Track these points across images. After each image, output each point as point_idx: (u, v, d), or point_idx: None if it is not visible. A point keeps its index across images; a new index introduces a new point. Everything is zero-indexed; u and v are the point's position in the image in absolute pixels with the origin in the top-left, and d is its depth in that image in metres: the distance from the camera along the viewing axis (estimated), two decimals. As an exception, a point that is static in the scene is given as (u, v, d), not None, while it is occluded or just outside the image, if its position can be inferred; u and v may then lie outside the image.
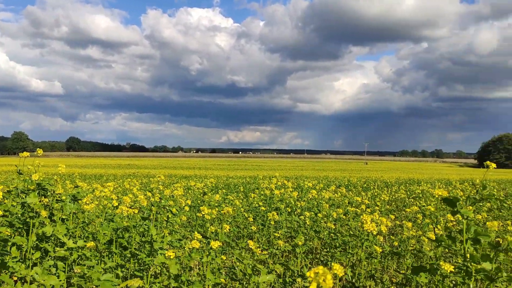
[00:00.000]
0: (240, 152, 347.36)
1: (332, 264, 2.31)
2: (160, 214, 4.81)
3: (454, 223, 3.76)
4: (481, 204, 12.37)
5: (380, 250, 4.28)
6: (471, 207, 3.20)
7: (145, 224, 4.33)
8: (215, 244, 3.81)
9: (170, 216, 4.52)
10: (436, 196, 3.30)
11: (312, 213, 8.23)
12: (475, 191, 3.18)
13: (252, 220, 7.19)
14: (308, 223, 6.50)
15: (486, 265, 2.97)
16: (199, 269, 5.14)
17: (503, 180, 36.61)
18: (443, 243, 3.14)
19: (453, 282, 3.48)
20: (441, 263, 2.98)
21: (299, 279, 4.64)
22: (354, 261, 4.57)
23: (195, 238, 3.75)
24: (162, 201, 4.97)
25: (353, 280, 4.24)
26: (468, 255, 3.05)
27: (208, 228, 5.82)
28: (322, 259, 5.59)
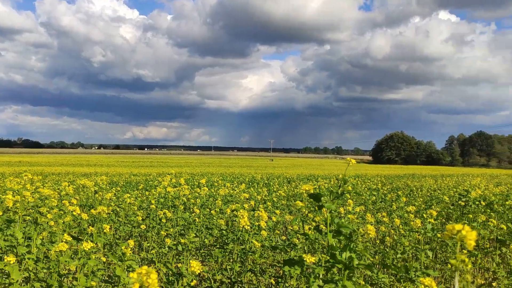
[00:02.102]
0: (146, 149, 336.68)
1: (190, 261, 2.32)
2: (37, 215, 4.47)
3: (322, 217, 4.00)
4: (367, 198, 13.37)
5: (259, 245, 4.42)
6: (335, 201, 3.42)
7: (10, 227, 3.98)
8: (87, 246, 3.64)
9: (39, 217, 4.21)
10: (304, 191, 3.49)
11: (207, 210, 8.25)
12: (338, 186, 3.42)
13: (141, 219, 7.00)
14: (198, 220, 6.50)
15: (344, 255, 3.21)
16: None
17: (392, 175, 39.99)
18: (308, 236, 3.33)
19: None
20: (303, 255, 3.15)
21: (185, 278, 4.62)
22: (236, 257, 4.66)
23: (64, 240, 3.55)
24: (38, 201, 4.62)
25: (232, 275, 4.33)
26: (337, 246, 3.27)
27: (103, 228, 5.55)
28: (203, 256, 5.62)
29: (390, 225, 7.11)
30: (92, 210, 4.81)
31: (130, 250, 4.00)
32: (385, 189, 17.30)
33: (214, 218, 7.15)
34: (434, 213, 5.32)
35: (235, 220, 7.10)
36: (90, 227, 4.78)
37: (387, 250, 5.69)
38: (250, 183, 21.74)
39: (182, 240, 4.62)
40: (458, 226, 1.32)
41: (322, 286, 2.96)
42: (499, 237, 5.65)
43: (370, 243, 6.75)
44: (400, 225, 7.54)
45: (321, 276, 3.39)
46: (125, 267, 3.93)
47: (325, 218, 3.39)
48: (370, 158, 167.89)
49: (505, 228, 5.68)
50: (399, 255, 5.22)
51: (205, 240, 6.88)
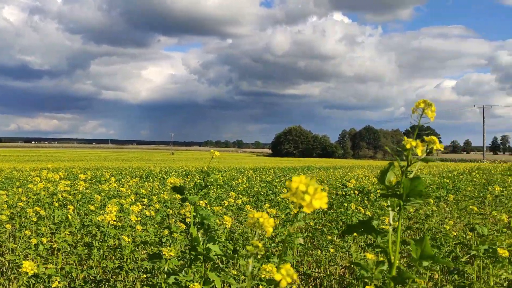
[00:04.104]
0: (33, 142, 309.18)
1: (23, 262, 2.12)
2: None
3: (186, 209, 3.98)
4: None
5: (130, 240, 4.26)
6: (198, 193, 3.41)
7: None
8: None
9: None
10: (169, 184, 3.42)
11: (86, 206, 7.79)
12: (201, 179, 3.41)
13: (5, 218, 6.38)
14: (70, 218, 6.10)
15: (202, 246, 3.23)
16: None
17: (289, 167, 41.67)
18: (170, 228, 3.29)
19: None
20: (162, 249, 3.09)
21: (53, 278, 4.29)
22: (103, 254, 4.46)
23: None
24: None
25: (97, 274, 4.12)
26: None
27: None
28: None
29: (272, 215, 7.34)
30: None
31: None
32: (277, 181, 17.90)
33: (93, 215, 6.77)
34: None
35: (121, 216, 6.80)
36: None
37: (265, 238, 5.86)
38: (145, 178, 21.11)
39: (54, 239, 4.28)
40: (257, 214, 1.34)
41: (178, 280, 2.92)
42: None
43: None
44: (283, 215, 7.87)
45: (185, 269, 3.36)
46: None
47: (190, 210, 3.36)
48: (269, 151, 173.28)
49: (369, 214, 6.20)
50: (273, 244, 5.41)
51: (86, 238, 6.49)
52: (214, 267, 3.76)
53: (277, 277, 0.97)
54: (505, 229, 4.81)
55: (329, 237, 5.81)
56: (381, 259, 1.98)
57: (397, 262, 1.53)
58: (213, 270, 3.47)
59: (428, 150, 1.66)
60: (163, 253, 2.94)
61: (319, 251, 5.84)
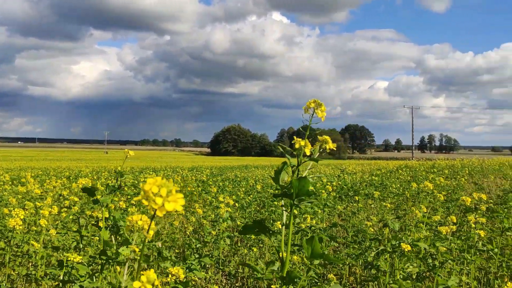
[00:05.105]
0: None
1: None
2: None
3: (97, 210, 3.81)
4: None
5: (39, 246, 4.00)
6: (111, 195, 3.27)
7: None
8: None
9: None
10: (79, 185, 3.25)
11: (1, 209, 7.27)
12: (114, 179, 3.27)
13: None
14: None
15: (123, 250, 3.10)
16: None
17: (226, 166, 41.67)
18: (80, 232, 3.13)
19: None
20: (68, 254, 2.92)
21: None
22: (7, 262, 4.16)
23: None
24: None
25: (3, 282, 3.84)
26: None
27: None
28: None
29: (201, 215, 7.26)
30: None
31: None
32: (211, 180, 17.82)
33: (7, 219, 6.32)
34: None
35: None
36: None
37: (191, 239, 5.77)
38: (74, 179, 20.14)
39: None
40: (136, 217, 1.27)
41: (83, 287, 2.77)
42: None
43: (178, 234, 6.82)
44: (213, 215, 7.82)
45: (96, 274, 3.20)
46: None
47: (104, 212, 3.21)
48: (208, 150, 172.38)
49: (295, 212, 6.32)
50: (199, 245, 5.34)
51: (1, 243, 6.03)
52: (131, 272, 3.62)
53: (136, 284, 0.91)
54: (421, 224, 5.09)
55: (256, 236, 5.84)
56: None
57: (289, 262, 1.53)
58: (129, 274, 3.33)
59: (321, 150, 1.67)
60: (69, 258, 2.78)
61: (246, 250, 5.85)
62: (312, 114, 1.58)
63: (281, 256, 1.54)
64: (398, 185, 13.96)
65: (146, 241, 1.20)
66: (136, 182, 14.64)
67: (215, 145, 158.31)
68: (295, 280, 1.46)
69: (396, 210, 9.34)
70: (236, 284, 5.23)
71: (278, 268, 1.63)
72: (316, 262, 1.55)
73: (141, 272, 0.91)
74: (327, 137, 1.64)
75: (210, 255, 5.65)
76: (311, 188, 1.43)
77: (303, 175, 1.51)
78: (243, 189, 14.72)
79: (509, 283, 2.29)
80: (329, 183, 11.64)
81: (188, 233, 6.90)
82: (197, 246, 5.30)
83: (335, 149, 1.64)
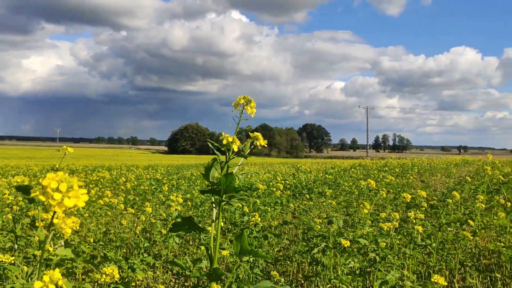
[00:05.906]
0: None
1: None
2: None
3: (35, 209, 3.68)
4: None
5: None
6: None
7: None
8: None
9: None
10: (14, 183, 3.11)
11: None
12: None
13: None
14: None
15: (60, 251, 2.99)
16: None
17: (184, 165, 41.21)
18: (15, 232, 3.00)
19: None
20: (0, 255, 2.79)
21: None
22: None
23: None
24: None
25: None
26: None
27: None
28: None
29: (152, 214, 7.14)
30: None
31: None
32: (165, 179, 17.58)
33: None
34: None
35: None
36: None
37: (141, 238, 5.65)
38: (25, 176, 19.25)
39: None
40: (44, 215, 1.22)
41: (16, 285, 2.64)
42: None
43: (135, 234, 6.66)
44: (164, 214, 7.70)
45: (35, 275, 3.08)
46: None
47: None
48: (166, 148, 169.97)
49: (246, 209, 6.33)
50: (147, 244, 5.25)
51: None
52: (69, 272, 3.51)
53: (37, 285, 0.87)
54: (369, 221, 5.23)
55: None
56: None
57: (217, 259, 1.52)
58: (69, 275, 3.23)
59: (253, 146, 1.67)
60: (1, 260, 2.64)
61: (195, 249, 5.81)
62: (242, 111, 1.58)
63: (209, 253, 1.53)
64: (351, 183, 14.29)
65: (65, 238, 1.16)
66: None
67: (173, 144, 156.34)
68: (222, 277, 1.45)
69: (348, 208, 9.59)
70: (186, 284, 5.17)
71: (206, 265, 1.62)
72: (245, 258, 1.55)
73: (44, 272, 0.87)
74: (258, 134, 1.64)
75: (159, 255, 5.57)
76: (236, 184, 1.43)
77: (232, 172, 1.50)
78: (198, 187, 14.62)
79: (436, 275, 2.40)
80: (282, 181, 11.76)
81: (137, 232, 6.75)
82: (145, 245, 5.20)
83: (266, 145, 1.65)
